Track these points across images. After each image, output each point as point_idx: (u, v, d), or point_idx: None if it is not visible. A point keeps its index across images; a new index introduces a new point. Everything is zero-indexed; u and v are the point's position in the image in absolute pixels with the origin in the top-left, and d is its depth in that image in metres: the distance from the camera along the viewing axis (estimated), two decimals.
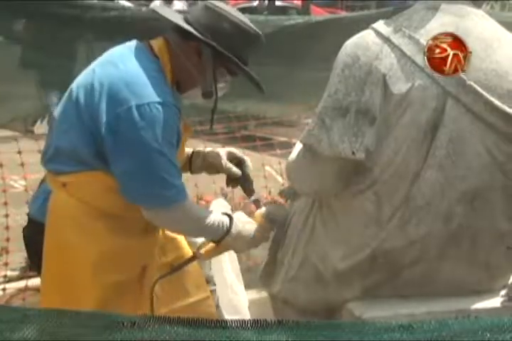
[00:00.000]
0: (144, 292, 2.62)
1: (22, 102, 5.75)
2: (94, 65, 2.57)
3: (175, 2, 8.47)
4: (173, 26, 2.54)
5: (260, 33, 2.56)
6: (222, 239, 2.59)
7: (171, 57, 2.53)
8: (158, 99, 2.40)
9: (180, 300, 2.78)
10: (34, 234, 2.56)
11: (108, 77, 2.45)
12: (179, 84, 2.57)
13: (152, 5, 8.41)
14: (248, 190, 2.82)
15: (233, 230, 2.59)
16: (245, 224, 2.64)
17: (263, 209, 2.73)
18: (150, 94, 2.40)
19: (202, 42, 2.49)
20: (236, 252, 2.75)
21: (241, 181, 2.82)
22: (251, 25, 2.55)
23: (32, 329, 1.31)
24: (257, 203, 2.78)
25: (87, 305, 2.44)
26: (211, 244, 2.64)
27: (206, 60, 2.51)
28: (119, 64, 2.47)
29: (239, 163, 2.85)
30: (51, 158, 2.53)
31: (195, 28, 2.50)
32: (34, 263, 2.67)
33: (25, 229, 2.69)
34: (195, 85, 2.56)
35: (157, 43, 2.55)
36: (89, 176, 2.47)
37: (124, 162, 2.42)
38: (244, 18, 2.55)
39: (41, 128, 4.41)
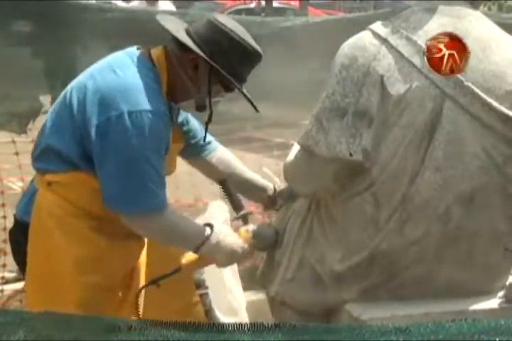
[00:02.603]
0: (130, 295, 2.61)
1: (18, 103, 5.76)
2: (92, 68, 2.57)
3: (160, 2, 8.38)
4: (172, 36, 2.52)
5: (261, 51, 2.53)
6: (200, 247, 2.55)
7: (168, 67, 2.52)
8: (150, 108, 2.40)
9: (171, 304, 2.75)
10: (19, 235, 2.56)
11: (104, 82, 2.45)
12: (174, 95, 2.55)
13: (132, 4, 8.35)
14: (236, 206, 2.81)
15: (212, 239, 2.55)
16: (226, 236, 2.60)
17: (250, 226, 2.71)
18: (143, 101, 2.40)
19: (199, 56, 2.48)
20: (218, 266, 2.69)
21: (229, 198, 2.82)
22: (253, 43, 2.52)
23: (28, 332, 1.30)
24: (245, 219, 2.76)
25: (68, 304, 2.45)
26: (193, 256, 2.61)
27: (202, 74, 2.51)
28: (117, 70, 2.47)
29: (222, 181, 2.84)
30: (39, 157, 2.54)
31: (194, 42, 2.48)
32: (20, 266, 2.66)
33: (11, 231, 2.69)
34: (190, 97, 2.55)
35: (156, 52, 2.54)
36: (74, 176, 2.48)
37: (109, 167, 2.42)
38: (247, 36, 2.52)
39: (34, 128, 4.43)
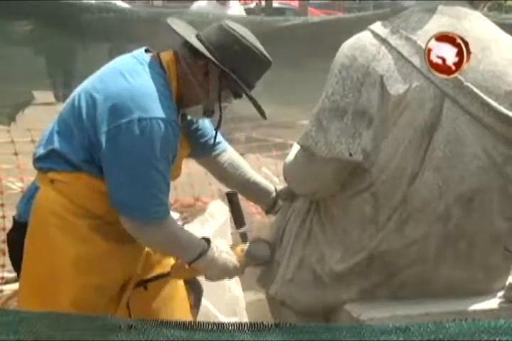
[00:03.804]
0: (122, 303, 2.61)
1: (11, 97, 5.78)
2: (101, 73, 2.56)
3: (231, 2, 8.14)
4: (183, 41, 2.52)
5: (270, 58, 2.54)
6: (194, 261, 2.57)
7: (178, 72, 2.52)
8: (161, 115, 2.39)
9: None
10: (20, 236, 2.55)
11: (115, 89, 2.44)
12: (183, 100, 2.55)
13: (195, 6, 8.18)
14: (238, 221, 2.82)
15: (207, 255, 2.57)
16: (221, 252, 2.61)
17: (246, 245, 2.72)
18: (154, 109, 2.39)
19: (210, 61, 2.48)
20: (207, 279, 2.70)
21: (233, 212, 2.83)
22: (262, 50, 2.52)
23: (28, 332, 1.30)
24: (244, 236, 2.77)
25: (62, 305, 2.44)
26: (184, 265, 2.62)
27: (212, 79, 2.51)
28: (128, 76, 2.46)
29: (230, 194, 2.85)
30: (42, 158, 2.54)
31: (205, 47, 2.48)
32: (16, 269, 2.65)
33: (9, 233, 2.68)
34: (198, 102, 2.55)
35: (166, 57, 2.53)
36: (77, 177, 2.48)
37: (118, 173, 2.42)
38: (257, 43, 2.52)
39: (33, 128, 4.46)
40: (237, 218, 2.80)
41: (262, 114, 2.59)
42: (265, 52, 2.53)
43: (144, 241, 2.57)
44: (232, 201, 2.82)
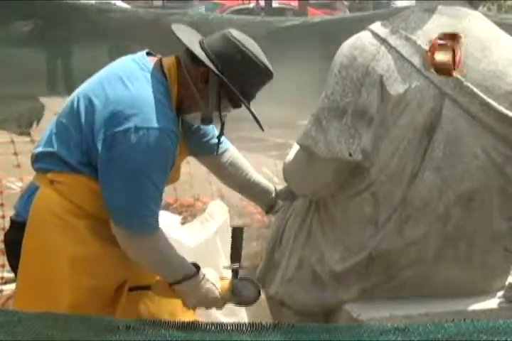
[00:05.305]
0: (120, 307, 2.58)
1: (17, 103, 5.76)
2: (100, 76, 2.54)
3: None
4: (186, 48, 2.49)
5: (272, 69, 2.51)
6: (177, 283, 2.52)
7: (179, 78, 2.50)
8: (158, 125, 2.37)
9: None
10: (15, 237, 2.54)
11: (114, 95, 2.42)
12: (181, 107, 2.53)
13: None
14: (234, 256, 2.79)
15: (192, 280, 2.52)
16: (207, 281, 2.56)
17: (235, 280, 2.65)
18: (152, 118, 2.38)
19: (210, 69, 2.46)
20: (184, 304, 2.62)
21: (233, 246, 2.81)
22: (265, 61, 2.50)
23: (27, 332, 1.30)
24: (235, 273, 2.73)
25: (59, 306, 2.43)
26: (166, 285, 2.56)
27: (212, 88, 2.48)
28: (127, 82, 2.44)
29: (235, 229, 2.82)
30: (40, 159, 2.53)
31: (207, 55, 2.46)
32: (13, 269, 2.64)
33: (7, 234, 2.67)
34: (197, 110, 2.53)
35: (168, 63, 2.51)
36: (76, 178, 2.47)
37: (112, 180, 2.41)
38: (260, 53, 2.50)
39: (37, 130, 4.45)
40: (235, 253, 2.76)
41: (260, 125, 2.57)
42: (267, 63, 2.50)
43: (131, 253, 2.51)
44: (235, 236, 2.79)
